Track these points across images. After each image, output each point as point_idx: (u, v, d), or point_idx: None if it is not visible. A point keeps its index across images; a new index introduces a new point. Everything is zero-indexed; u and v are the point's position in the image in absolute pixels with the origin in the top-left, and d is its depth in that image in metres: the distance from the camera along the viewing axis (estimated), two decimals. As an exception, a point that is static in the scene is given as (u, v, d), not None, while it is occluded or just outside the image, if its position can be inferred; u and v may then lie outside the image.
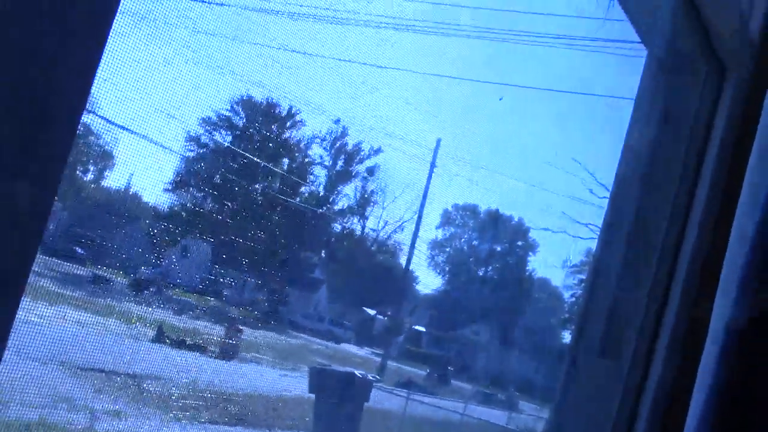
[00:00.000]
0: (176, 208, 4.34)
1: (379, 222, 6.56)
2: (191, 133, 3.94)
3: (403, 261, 7.34)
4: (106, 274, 3.93)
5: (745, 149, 1.07)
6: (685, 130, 1.21)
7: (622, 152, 1.22)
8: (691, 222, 1.19)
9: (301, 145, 4.88)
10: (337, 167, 5.35)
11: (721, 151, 1.21)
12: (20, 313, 0.47)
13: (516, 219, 7.90)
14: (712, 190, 1.21)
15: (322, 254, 6.36)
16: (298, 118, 4.40)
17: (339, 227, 6.10)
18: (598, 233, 1.28)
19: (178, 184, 4.18)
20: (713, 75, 1.13)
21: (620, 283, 1.17)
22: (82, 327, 3.36)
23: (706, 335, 0.94)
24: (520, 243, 8.34)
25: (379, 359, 6.99)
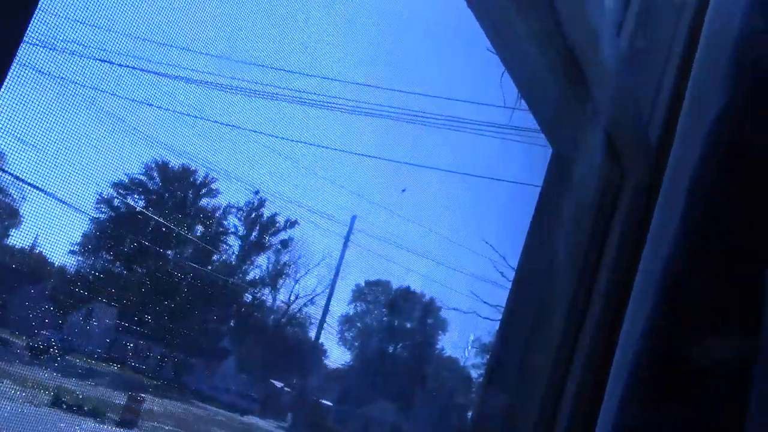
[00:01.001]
0: (83, 271, 4.16)
1: (290, 294, 6.46)
2: (103, 195, 3.82)
3: (312, 334, 7.23)
4: (4, 335, 3.73)
5: (641, 249, 1.10)
6: (586, 228, 1.24)
7: (525, 242, 1.23)
8: (589, 320, 1.21)
9: (216, 214, 4.80)
10: (251, 237, 5.28)
11: (620, 250, 1.24)
12: None
13: (427, 297, 7.94)
14: (609, 285, 1.24)
15: (231, 324, 6.19)
16: (214, 186, 4.34)
17: (250, 298, 5.97)
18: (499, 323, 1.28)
19: (86, 246, 4.02)
20: (614, 176, 1.16)
21: (516, 381, 1.16)
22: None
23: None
24: (430, 321, 8.37)
25: (283, 432, 6.79)
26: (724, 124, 0.81)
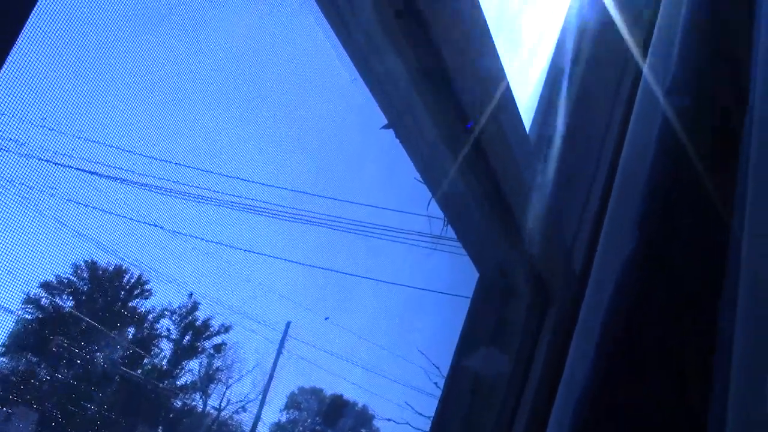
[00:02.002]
0: (4, 372, 3.96)
1: (222, 400, 6.25)
2: (31, 295, 3.69)
3: (243, 442, 6.92)
4: None
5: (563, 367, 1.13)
6: (513, 346, 1.26)
7: (453, 356, 1.25)
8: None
9: (148, 316, 4.68)
10: (184, 341, 5.14)
11: (545, 368, 1.27)
12: None
13: (360, 405, 7.77)
14: (535, 400, 1.25)
15: (160, 430, 5.92)
16: (147, 288, 4.25)
17: (180, 403, 5.74)
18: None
19: (10, 347, 3.84)
20: (538, 302, 1.20)
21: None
22: None
23: None
24: (363, 431, 8.15)
25: None
26: (634, 270, 0.85)
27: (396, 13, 0.66)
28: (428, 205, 0.99)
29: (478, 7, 0.74)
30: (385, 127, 0.87)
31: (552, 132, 1.35)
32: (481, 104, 0.83)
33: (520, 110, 0.94)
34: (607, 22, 1.58)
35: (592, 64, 1.51)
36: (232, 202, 0.87)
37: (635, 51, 1.49)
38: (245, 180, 0.86)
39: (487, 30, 0.82)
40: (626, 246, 0.93)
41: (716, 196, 0.86)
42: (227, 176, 0.84)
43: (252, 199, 0.88)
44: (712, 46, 0.90)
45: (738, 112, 0.80)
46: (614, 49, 1.54)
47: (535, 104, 1.41)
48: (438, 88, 0.76)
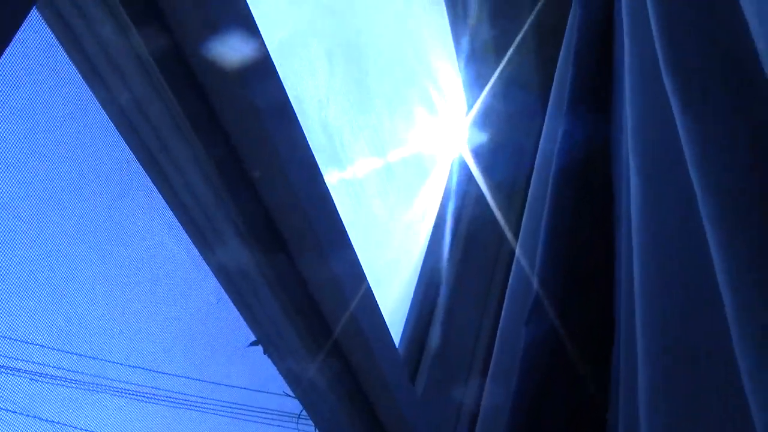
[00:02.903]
0: None
1: None
2: None
3: None
4: None
5: None
6: None
7: None
8: None
9: None
10: None
11: None
12: None
13: None
14: None
15: None
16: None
17: None
18: None
19: None
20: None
21: None
22: None
23: None
24: None
25: None
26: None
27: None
28: (298, 419, 0.96)
29: (346, 240, 0.76)
30: (253, 343, 0.85)
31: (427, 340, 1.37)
32: (342, 313, 0.84)
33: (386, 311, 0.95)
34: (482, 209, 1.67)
35: (464, 260, 1.57)
36: (84, 381, 0.80)
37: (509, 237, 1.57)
38: (129, 366, 0.81)
39: (347, 236, 0.84)
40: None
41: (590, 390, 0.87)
42: (81, 355, 0.79)
43: (107, 378, 0.82)
44: (571, 262, 0.95)
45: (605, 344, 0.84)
46: (487, 242, 1.62)
47: (407, 308, 1.44)
48: (300, 302, 0.76)
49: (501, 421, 0.83)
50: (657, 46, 0.67)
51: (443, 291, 1.48)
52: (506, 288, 1.13)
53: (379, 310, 0.93)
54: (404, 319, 1.41)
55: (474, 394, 1.27)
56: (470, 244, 1.62)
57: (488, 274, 1.56)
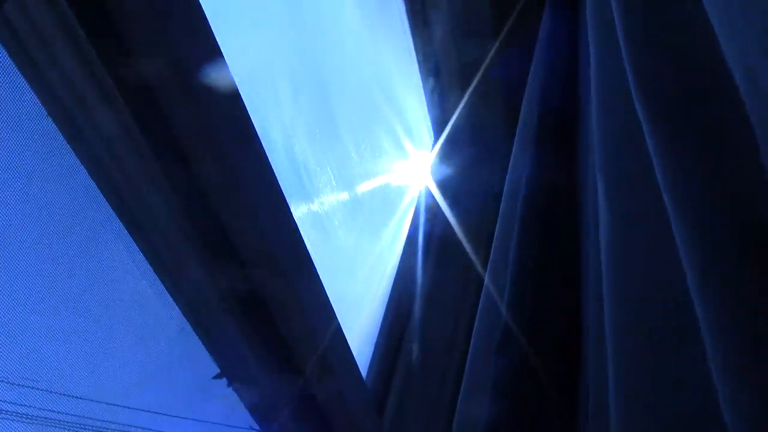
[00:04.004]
0: None
1: None
2: None
3: None
4: None
5: None
6: None
7: None
8: None
9: None
10: None
11: None
12: None
13: None
14: None
15: None
16: None
17: None
18: None
19: None
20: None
21: None
22: None
23: None
24: None
25: None
26: None
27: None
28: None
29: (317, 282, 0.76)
30: (218, 376, 0.83)
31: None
32: (309, 345, 0.83)
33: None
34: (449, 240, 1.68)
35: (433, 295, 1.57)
36: (44, 417, 0.77)
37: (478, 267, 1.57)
38: (58, 394, 0.78)
39: (316, 274, 0.84)
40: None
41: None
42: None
43: (67, 414, 0.79)
44: (542, 288, 0.95)
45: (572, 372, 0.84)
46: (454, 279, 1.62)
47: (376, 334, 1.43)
48: (268, 339, 0.75)
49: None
50: (627, 68, 0.68)
51: (411, 323, 1.47)
52: (474, 320, 1.12)
53: (347, 342, 0.92)
54: (371, 352, 1.40)
55: (443, 425, 1.26)
56: (438, 276, 1.62)
57: (457, 306, 1.56)
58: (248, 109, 0.75)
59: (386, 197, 1.75)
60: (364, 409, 0.95)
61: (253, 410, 0.88)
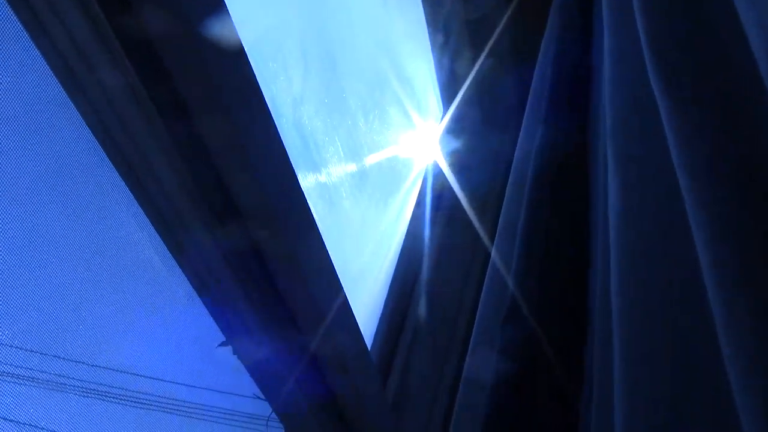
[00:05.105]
0: None
1: None
2: None
3: None
4: None
5: None
6: None
7: None
8: None
9: None
10: None
11: None
12: None
13: None
14: None
15: None
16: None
17: None
18: None
19: None
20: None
21: None
22: None
23: None
24: None
25: None
26: None
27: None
28: (267, 422, 0.94)
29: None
30: (223, 344, 0.83)
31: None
32: (313, 314, 0.83)
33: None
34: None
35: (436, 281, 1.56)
36: (49, 380, 0.78)
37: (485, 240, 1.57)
38: (64, 359, 0.79)
39: (320, 237, 0.83)
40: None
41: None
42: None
43: (73, 378, 0.80)
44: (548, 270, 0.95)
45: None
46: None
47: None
48: (272, 305, 0.75)
49: (476, 425, 0.82)
50: (643, 46, 0.67)
51: (417, 295, 1.47)
52: (481, 291, 1.12)
53: (353, 316, 0.92)
54: (376, 323, 1.40)
55: (447, 398, 1.27)
56: (444, 248, 1.62)
57: (464, 278, 1.56)
58: (257, 78, 0.74)
59: (394, 168, 1.74)
60: (370, 384, 0.95)
61: (258, 378, 0.88)
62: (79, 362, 0.75)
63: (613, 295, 0.70)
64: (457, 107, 1.87)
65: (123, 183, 0.68)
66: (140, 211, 0.70)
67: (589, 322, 0.85)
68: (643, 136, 0.74)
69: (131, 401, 0.81)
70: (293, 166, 0.79)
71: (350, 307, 0.88)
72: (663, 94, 0.60)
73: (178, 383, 0.86)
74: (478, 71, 1.82)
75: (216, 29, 0.63)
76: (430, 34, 1.79)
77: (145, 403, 0.83)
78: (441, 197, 1.75)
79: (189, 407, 0.88)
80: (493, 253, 1.16)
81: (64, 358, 0.73)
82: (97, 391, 0.78)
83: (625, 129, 0.77)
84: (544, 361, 0.82)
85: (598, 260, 0.88)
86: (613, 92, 0.81)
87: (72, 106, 0.63)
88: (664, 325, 0.62)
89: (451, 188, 1.75)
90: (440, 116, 1.93)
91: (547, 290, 0.90)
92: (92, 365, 0.76)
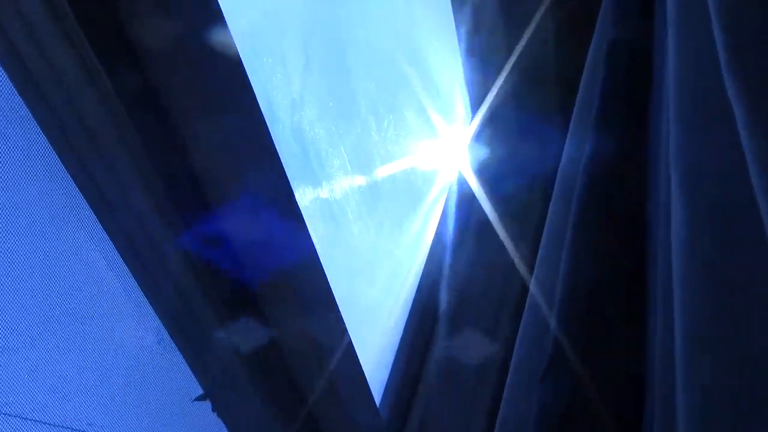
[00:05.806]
0: None
1: None
2: None
3: None
4: None
5: None
6: None
7: None
8: None
9: None
10: None
11: None
12: None
13: None
14: None
15: None
16: None
17: None
18: None
19: None
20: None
21: None
22: None
23: None
24: None
25: None
26: None
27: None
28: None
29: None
30: (200, 398, 0.82)
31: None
32: (313, 367, 0.82)
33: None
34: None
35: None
36: None
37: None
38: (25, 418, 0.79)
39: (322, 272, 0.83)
40: None
41: None
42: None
43: None
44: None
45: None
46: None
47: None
48: (267, 360, 0.74)
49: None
50: (716, 35, 0.66)
51: (438, 335, 1.46)
52: (516, 332, 1.11)
53: (360, 367, 0.91)
54: (386, 377, 1.39)
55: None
56: (472, 278, 1.60)
57: (494, 313, 1.54)
58: (249, 75, 0.74)
59: (412, 184, 1.74)
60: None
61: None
62: (40, 422, 0.76)
63: (677, 346, 0.69)
64: (488, 109, 1.87)
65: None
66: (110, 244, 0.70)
67: (649, 379, 0.83)
68: (716, 153, 0.73)
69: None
70: (290, 182, 0.79)
71: (357, 358, 0.88)
72: (740, 101, 0.59)
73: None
74: (513, 67, 1.81)
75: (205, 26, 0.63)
76: (456, 22, 1.79)
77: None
78: (468, 217, 1.75)
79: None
80: (532, 285, 1.15)
81: (23, 418, 0.73)
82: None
83: (693, 146, 0.76)
84: (592, 425, 0.81)
85: (659, 301, 0.86)
86: (679, 97, 0.80)
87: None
88: (741, 386, 0.61)
89: (480, 206, 1.74)
90: (468, 120, 1.92)
91: (597, 340, 0.89)
92: (54, 425, 0.77)
